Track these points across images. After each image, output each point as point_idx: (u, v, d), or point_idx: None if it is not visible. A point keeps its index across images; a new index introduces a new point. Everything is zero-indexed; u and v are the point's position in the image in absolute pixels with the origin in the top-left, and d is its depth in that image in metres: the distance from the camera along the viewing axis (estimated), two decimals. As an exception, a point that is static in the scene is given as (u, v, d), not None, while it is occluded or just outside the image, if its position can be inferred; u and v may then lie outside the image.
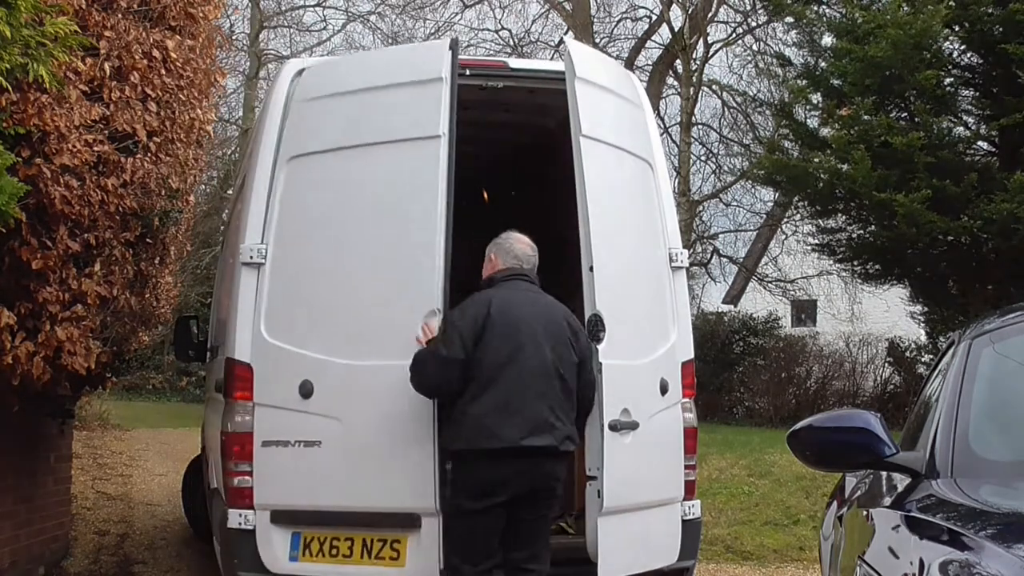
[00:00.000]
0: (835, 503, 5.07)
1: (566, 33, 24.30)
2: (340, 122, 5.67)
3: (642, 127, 6.04)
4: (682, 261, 6.05)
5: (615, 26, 24.92)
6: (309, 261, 5.63)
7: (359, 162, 5.65)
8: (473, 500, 5.18)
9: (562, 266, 7.15)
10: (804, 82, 15.44)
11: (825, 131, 15.15)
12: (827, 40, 15.49)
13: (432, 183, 5.39)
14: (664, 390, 5.75)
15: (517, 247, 5.48)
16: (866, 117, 13.40)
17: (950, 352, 4.11)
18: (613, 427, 5.26)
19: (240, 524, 5.48)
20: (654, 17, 24.05)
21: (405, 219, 5.51)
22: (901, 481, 3.65)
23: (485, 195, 8.88)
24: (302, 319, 5.60)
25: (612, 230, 5.50)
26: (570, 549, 5.61)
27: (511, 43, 24.33)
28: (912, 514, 3.31)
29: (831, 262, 17.57)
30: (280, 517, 5.53)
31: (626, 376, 5.43)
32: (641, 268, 5.78)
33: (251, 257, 5.61)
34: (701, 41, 22.34)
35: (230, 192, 15.37)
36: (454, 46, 5.54)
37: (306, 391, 5.46)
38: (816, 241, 16.95)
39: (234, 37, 23.05)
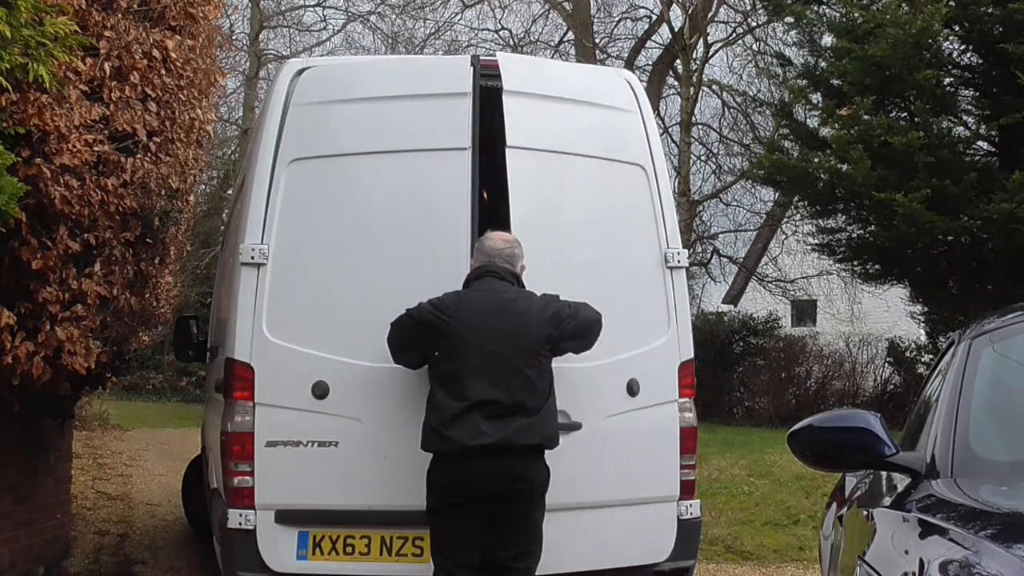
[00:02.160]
0: (835, 503, 5.07)
1: (566, 33, 24.34)
2: (354, 128, 5.74)
3: (629, 132, 6.03)
4: (681, 261, 6.06)
5: (615, 26, 24.96)
6: (321, 263, 5.65)
7: (376, 168, 5.75)
8: (438, 499, 5.26)
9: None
10: (804, 82, 15.44)
11: (825, 131, 15.14)
12: (827, 40, 15.49)
13: (459, 193, 5.64)
14: (632, 391, 5.75)
15: (487, 243, 5.50)
16: (866, 117, 13.40)
17: (950, 352, 4.11)
18: None
19: (240, 524, 5.49)
20: (654, 17, 24.07)
21: (429, 227, 5.66)
22: (901, 481, 3.65)
23: (485, 195, 8.88)
24: (313, 320, 5.62)
25: (555, 234, 5.70)
26: None
27: (511, 43, 24.32)
28: (912, 514, 3.31)
29: (831, 262, 17.57)
30: (286, 517, 5.53)
31: (568, 378, 5.47)
32: (612, 270, 5.81)
33: (251, 257, 5.60)
34: (701, 41, 22.34)
35: (230, 192, 15.38)
36: (475, 62, 5.82)
37: (321, 392, 5.50)
38: (816, 241, 16.95)
39: (234, 37, 23.06)
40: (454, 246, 5.59)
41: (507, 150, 5.65)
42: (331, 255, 5.65)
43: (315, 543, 5.57)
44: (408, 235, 5.66)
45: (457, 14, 26.23)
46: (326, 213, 5.68)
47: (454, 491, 5.21)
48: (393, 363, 5.49)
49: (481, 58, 6.00)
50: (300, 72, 5.83)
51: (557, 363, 5.41)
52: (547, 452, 5.31)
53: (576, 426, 5.51)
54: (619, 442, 5.72)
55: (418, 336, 5.35)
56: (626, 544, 5.76)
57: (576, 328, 5.42)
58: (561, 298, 5.43)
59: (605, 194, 5.94)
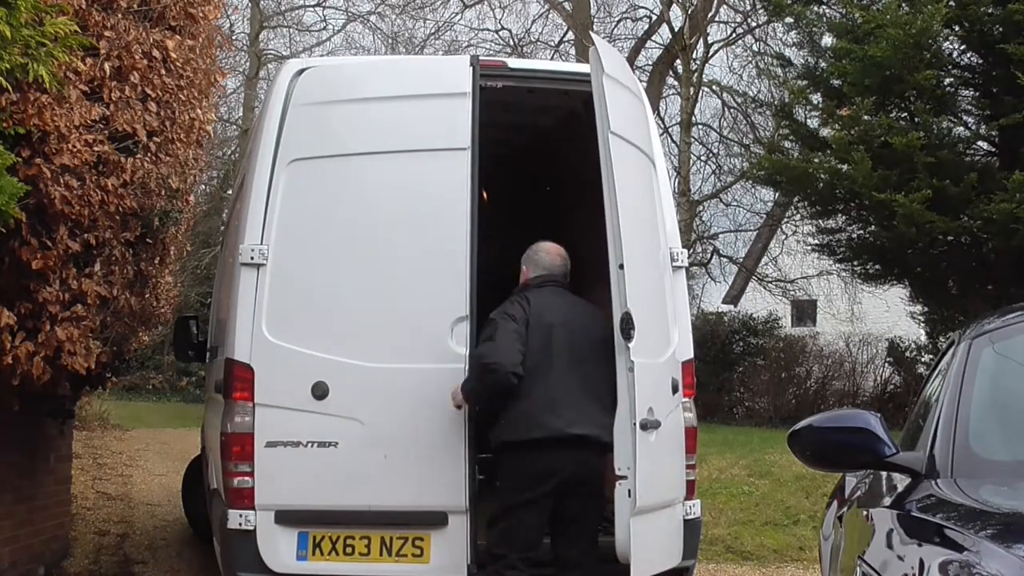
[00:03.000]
0: (835, 503, 5.07)
1: (566, 33, 24.34)
2: (353, 128, 5.74)
3: (645, 123, 6.05)
4: (682, 261, 6.07)
5: (615, 26, 24.94)
6: (320, 264, 5.65)
7: (375, 168, 5.75)
8: (520, 491, 5.40)
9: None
10: (804, 82, 15.44)
11: (825, 131, 15.13)
12: (827, 40, 15.49)
13: (459, 193, 5.66)
14: (675, 389, 5.79)
15: (545, 258, 5.80)
16: (866, 117, 13.40)
17: (950, 352, 4.11)
18: (643, 426, 5.23)
19: (240, 524, 5.49)
20: (654, 17, 24.08)
21: (428, 227, 5.67)
22: (901, 481, 3.65)
23: (484, 195, 8.88)
24: (312, 320, 5.62)
25: (634, 228, 5.50)
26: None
27: (511, 43, 24.33)
28: (912, 514, 3.31)
29: (831, 262, 17.56)
30: (285, 517, 5.53)
31: (650, 375, 5.44)
32: (652, 268, 5.81)
33: (251, 257, 5.60)
34: (701, 41, 22.34)
35: (230, 192, 15.38)
36: (475, 62, 5.84)
37: (321, 392, 5.51)
38: (816, 241, 16.95)
39: (234, 37, 23.06)
40: (453, 246, 5.62)
41: (610, 136, 5.39)
42: (330, 255, 5.65)
43: (315, 543, 5.57)
44: (408, 235, 5.67)
45: (457, 14, 26.28)
46: (325, 213, 5.68)
47: (547, 478, 5.37)
48: (390, 364, 5.51)
49: (481, 58, 6.01)
50: (300, 72, 5.83)
51: (646, 360, 5.33)
52: (643, 451, 5.25)
53: (658, 423, 5.39)
54: (671, 441, 5.71)
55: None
56: (659, 549, 5.69)
57: None
58: (636, 295, 5.39)
59: (643, 187, 5.88)
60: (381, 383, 5.54)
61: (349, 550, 5.57)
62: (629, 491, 5.15)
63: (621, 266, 5.22)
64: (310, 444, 5.54)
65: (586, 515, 5.47)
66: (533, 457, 5.39)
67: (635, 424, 5.21)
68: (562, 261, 5.82)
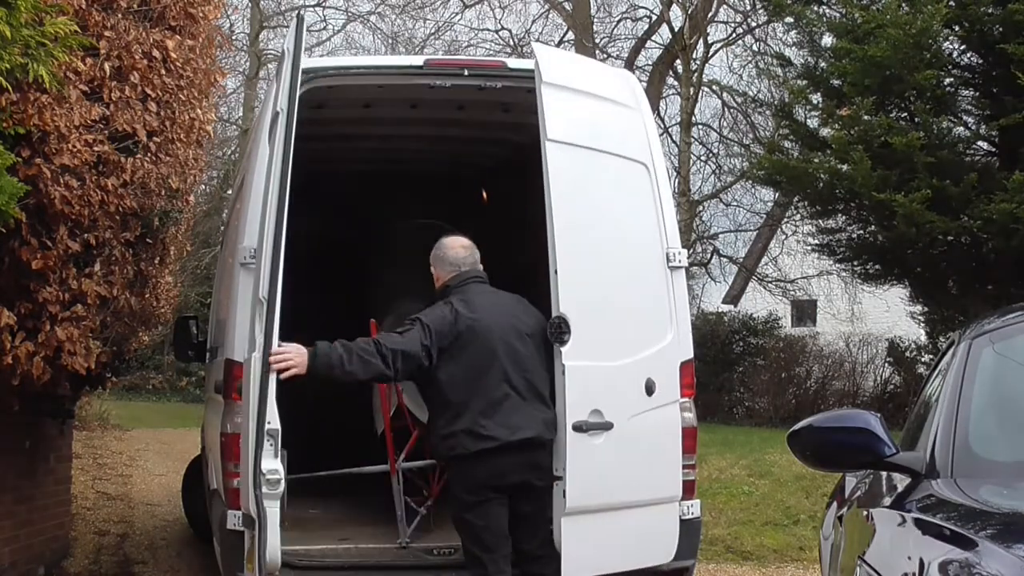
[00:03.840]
0: (835, 503, 5.07)
1: (566, 33, 24.32)
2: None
3: (635, 129, 6.01)
4: (681, 261, 6.05)
5: (615, 26, 24.94)
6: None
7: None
8: (470, 496, 5.35)
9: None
10: (804, 82, 15.42)
11: (825, 131, 15.12)
12: (827, 40, 15.48)
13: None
14: (650, 390, 5.76)
15: (450, 253, 5.64)
16: (866, 117, 13.39)
17: (950, 352, 4.11)
18: (578, 428, 5.31)
19: (239, 525, 5.48)
20: (654, 17, 24.05)
21: None
22: (901, 481, 3.65)
23: (484, 195, 8.88)
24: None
25: (584, 231, 5.56)
26: None
27: (511, 43, 24.32)
28: (912, 514, 3.31)
29: (831, 262, 17.55)
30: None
31: (597, 377, 5.46)
32: (627, 269, 5.80)
33: (251, 258, 5.60)
34: (701, 41, 22.33)
35: (230, 192, 15.38)
36: (300, 23, 5.38)
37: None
38: (816, 241, 16.94)
39: (234, 37, 23.07)
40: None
41: (547, 143, 5.48)
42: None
43: None
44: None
45: (457, 14, 26.27)
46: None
47: (496, 484, 5.32)
48: None
49: (481, 59, 6.00)
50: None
51: (588, 363, 5.38)
52: (579, 452, 5.30)
53: (608, 425, 5.45)
54: (642, 442, 5.71)
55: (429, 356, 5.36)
56: (637, 546, 5.74)
57: None
58: (577, 298, 5.40)
59: (619, 191, 5.90)
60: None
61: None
62: (564, 492, 5.25)
63: (555, 271, 5.31)
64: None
65: (539, 510, 5.39)
66: (479, 467, 5.32)
67: (567, 426, 5.29)
68: (468, 252, 5.66)
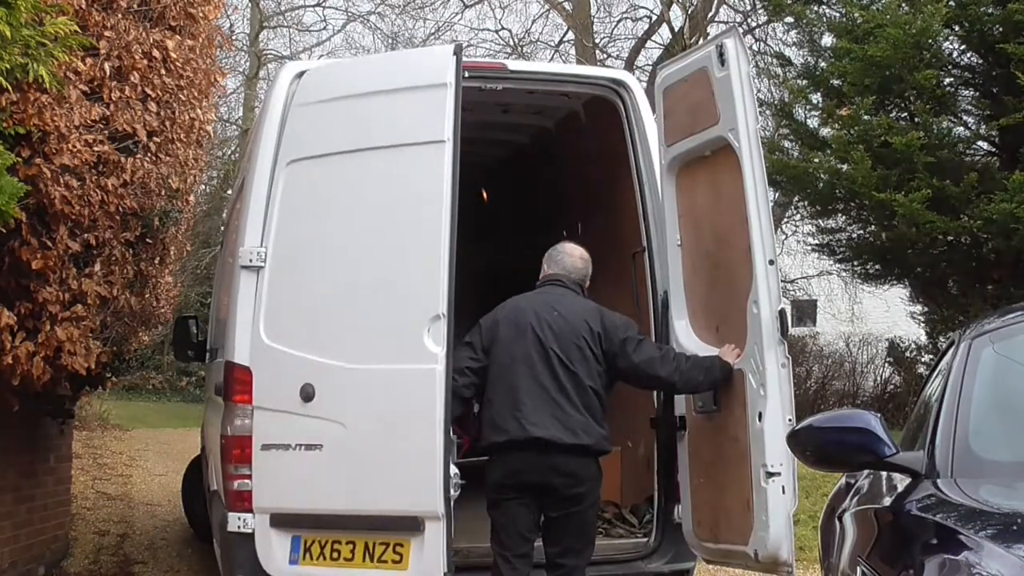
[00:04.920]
0: (835, 503, 5.07)
1: (566, 33, 24.33)
2: (339, 126, 5.67)
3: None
4: None
5: (615, 26, 24.96)
6: (310, 265, 5.63)
7: (359, 166, 5.63)
8: (490, 494, 5.40)
9: None
10: (804, 82, 15.42)
11: (825, 131, 15.13)
12: (827, 40, 15.48)
13: (437, 188, 5.36)
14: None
15: (555, 255, 5.72)
16: (866, 117, 13.39)
17: (950, 352, 4.11)
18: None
19: (239, 528, 5.48)
20: (654, 17, 24.07)
21: (408, 224, 5.51)
22: (901, 481, 3.66)
23: (484, 195, 8.90)
24: (302, 322, 5.60)
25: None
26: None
27: (511, 43, 24.34)
28: (912, 514, 3.31)
29: (831, 262, 17.55)
30: (280, 520, 5.53)
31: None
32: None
33: (250, 260, 5.60)
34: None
35: (230, 192, 15.38)
36: (458, 51, 5.51)
37: (307, 394, 5.47)
38: (816, 241, 16.94)
39: (234, 37, 23.07)
40: (433, 242, 5.38)
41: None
42: (324, 255, 5.62)
43: (306, 547, 5.54)
44: (394, 232, 5.54)
45: (457, 14, 26.36)
46: (320, 213, 5.67)
47: (511, 480, 5.33)
48: (369, 365, 5.43)
49: (481, 60, 5.99)
50: (300, 74, 5.83)
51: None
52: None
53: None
54: None
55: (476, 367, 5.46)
56: None
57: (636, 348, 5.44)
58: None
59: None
60: (361, 385, 5.47)
61: (335, 555, 5.53)
62: (783, 488, 5.09)
63: (772, 262, 5.24)
64: (298, 447, 5.49)
65: (564, 517, 5.36)
66: (496, 462, 5.38)
67: (790, 420, 5.15)
68: (582, 264, 5.72)
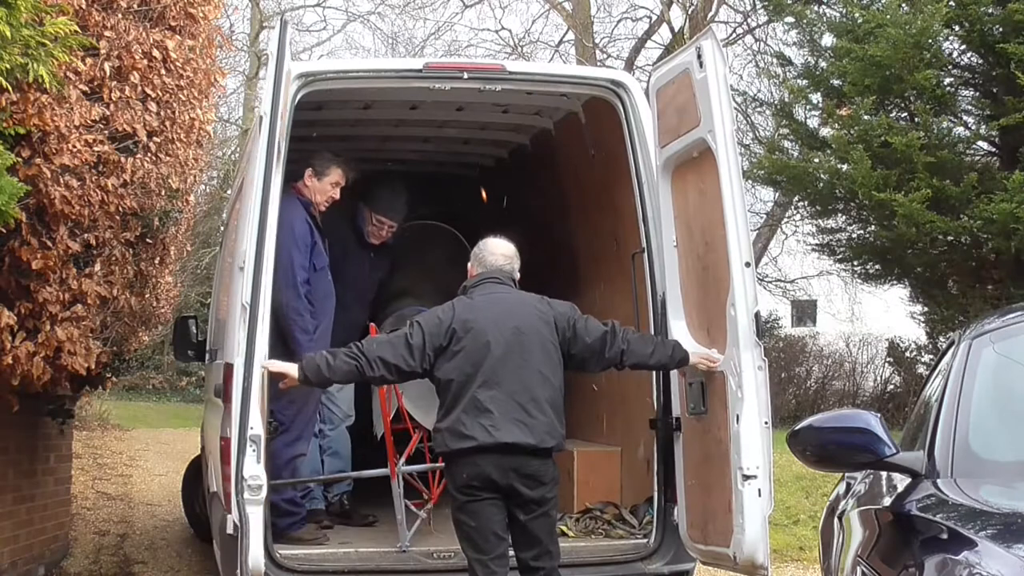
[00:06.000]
0: (835, 503, 5.07)
1: (566, 33, 24.33)
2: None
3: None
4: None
5: (615, 26, 24.95)
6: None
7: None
8: (461, 493, 5.24)
9: (560, 263, 7.14)
10: (804, 82, 15.42)
11: (825, 131, 15.12)
12: (827, 40, 15.47)
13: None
14: None
15: (483, 254, 5.53)
16: (866, 117, 13.38)
17: (950, 352, 4.12)
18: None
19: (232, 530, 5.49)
20: (654, 17, 24.06)
21: None
22: (901, 481, 3.66)
23: (484, 195, 8.90)
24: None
25: None
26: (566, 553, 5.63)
27: (511, 43, 24.34)
28: (912, 514, 3.31)
29: (831, 262, 17.54)
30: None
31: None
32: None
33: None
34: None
35: (230, 192, 15.38)
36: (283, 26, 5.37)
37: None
38: (816, 241, 16.93)
39: (234, 37, 23.07)
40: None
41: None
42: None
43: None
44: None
45: (457, 14, 26.35)
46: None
47: (480, 484, 5.18)
48: None
49: (481, 61, 6.02)
50: (300, 76, 5.83)
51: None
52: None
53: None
54: None
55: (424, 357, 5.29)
56: None
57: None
58: None
59: None
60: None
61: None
62: (759, 491, 5.05)
63: (748, 264, 5.19)
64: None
65: (533, 520, 5.27)
66: (461, 467, 5.22)
67: (766, 423, 5.11)
68: (507, 261, 5.51)
